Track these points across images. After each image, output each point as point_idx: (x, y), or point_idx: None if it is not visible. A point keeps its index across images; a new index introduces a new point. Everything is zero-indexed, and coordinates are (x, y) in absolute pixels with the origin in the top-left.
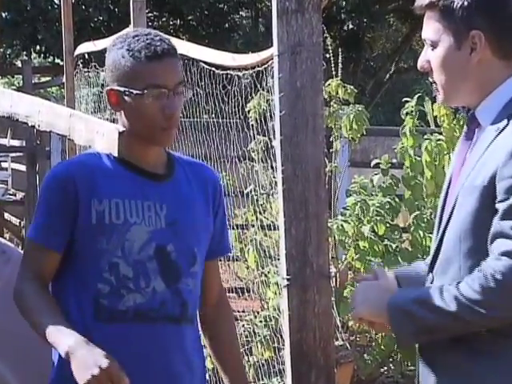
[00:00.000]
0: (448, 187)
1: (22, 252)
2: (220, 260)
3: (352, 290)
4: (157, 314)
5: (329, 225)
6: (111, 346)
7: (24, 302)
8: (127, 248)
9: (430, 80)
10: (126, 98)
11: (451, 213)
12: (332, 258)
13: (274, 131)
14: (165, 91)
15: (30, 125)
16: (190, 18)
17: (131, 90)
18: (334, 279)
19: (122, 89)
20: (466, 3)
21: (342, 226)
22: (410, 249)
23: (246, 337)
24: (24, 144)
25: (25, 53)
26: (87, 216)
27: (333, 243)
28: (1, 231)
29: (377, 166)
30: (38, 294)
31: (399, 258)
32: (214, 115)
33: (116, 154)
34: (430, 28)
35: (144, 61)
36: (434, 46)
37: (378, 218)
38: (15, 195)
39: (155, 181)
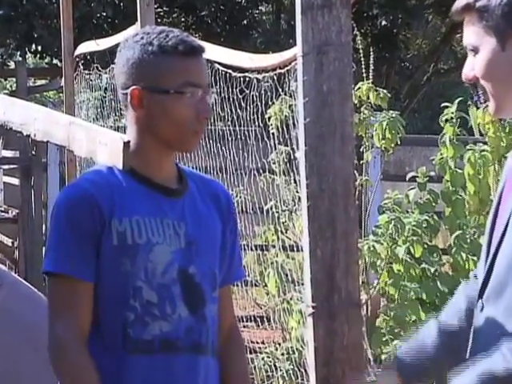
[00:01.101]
0: (498, 206)
1: (47, 292)
2: (237, 285)
3: (386, 318)
4: (183, 343)
5: (359, 246)
6: (137, 379)
7: (64, 374)
8: (150, 270)
9: (478, 89)
10: (154, 97)
11: (503, 234)
12: (362, 282)
13: (298, 140)
14: (199, 90)
15: (24, 134)
16: (203, 13)
17: (165, 89)
18: (364, 307)
19: (150, 87)
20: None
21: (373, 246)
22: (450, 273)
23: (266, 371)
24: (18, 155)
25: (19, 53)
26: (108, 238)
27: (363, 266)
28: None
29: (413, 179)
30: (79, 363)
31: (438, 284)
32: (230, 122)
33: (120, 167)
34: (470, 32)
35: (180, 57)
36: (475, 51)
37: (415, 238)
38: (7, 212)
39: (170, 196)
